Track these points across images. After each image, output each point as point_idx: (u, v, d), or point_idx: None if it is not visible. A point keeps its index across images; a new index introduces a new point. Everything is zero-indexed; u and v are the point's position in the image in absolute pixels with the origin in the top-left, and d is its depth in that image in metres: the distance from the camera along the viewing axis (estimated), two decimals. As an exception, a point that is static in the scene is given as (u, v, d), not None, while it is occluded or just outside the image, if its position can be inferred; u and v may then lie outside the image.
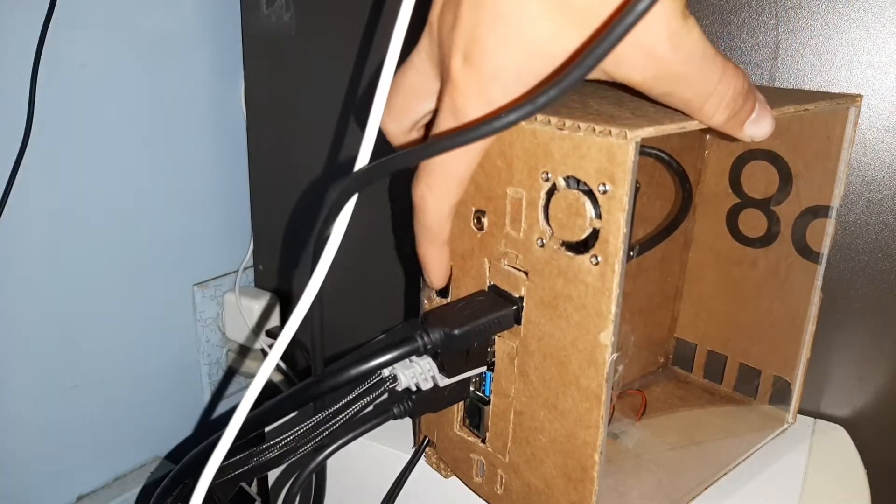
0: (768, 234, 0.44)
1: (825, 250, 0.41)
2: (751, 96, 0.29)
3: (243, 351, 0.79)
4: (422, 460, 0.40)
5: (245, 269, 0.78)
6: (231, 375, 0.81)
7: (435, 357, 0.32)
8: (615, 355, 0.28)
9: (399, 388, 0.31)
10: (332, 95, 0.65)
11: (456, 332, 0.31)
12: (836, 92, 0.39)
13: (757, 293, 0.45)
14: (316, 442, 0.30)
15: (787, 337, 0.43)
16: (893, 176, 0.44)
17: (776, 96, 0.35)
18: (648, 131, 0.26)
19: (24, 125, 0.56)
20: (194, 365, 0.77)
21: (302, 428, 0.30)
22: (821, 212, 0.41)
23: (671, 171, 0.45)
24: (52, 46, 0.56)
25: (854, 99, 0.38)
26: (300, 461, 0.31)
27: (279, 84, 0.68)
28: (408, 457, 0.41)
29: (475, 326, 0.31)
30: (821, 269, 0.41)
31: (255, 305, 0.74)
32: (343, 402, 0.30)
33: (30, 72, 0.56)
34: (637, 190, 0.27)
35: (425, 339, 0.31)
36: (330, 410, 0.30)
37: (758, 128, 0.30)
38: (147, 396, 0.73)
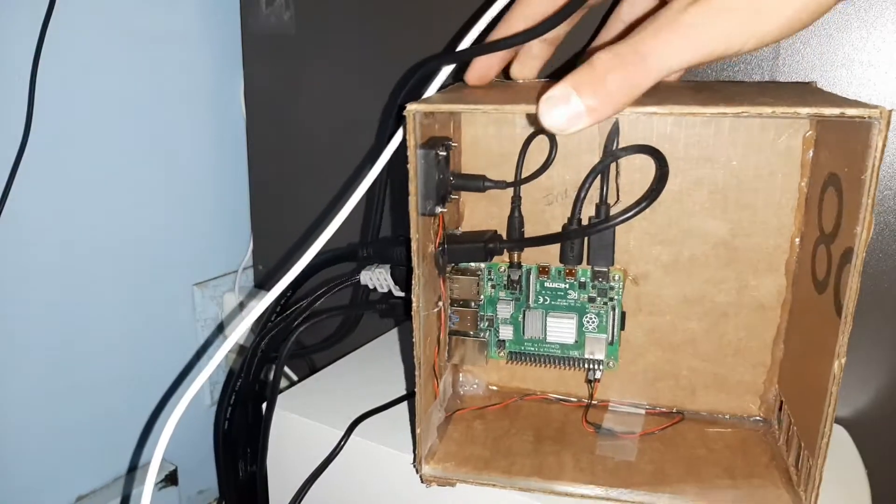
0: (826, 278, 0.34)
1: (846, 303, 0.31)
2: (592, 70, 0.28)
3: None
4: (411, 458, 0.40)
5: (245, 269, 0.77)
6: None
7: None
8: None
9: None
10: (332, 95, 0.65)
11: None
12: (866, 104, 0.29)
13: (801, 344, 0.39)
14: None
15: (812, 410, 0.35)
16: (894, 176, 0.44)
17: (803, 95, 0.34)
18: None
19: (24, 125, 0.56)
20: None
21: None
22: (848, 255, 0.31)
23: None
24: (52, 46, 0.56)
25: (881, 112, 0.28)
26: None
27: (279, 84, 0.68)
28: (406, 456, 0.41)
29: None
30: (843, 330, 0.31)
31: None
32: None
33: (30, 72, 0.56)
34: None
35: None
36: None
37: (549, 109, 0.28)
38: (147, 396, 0.73)
